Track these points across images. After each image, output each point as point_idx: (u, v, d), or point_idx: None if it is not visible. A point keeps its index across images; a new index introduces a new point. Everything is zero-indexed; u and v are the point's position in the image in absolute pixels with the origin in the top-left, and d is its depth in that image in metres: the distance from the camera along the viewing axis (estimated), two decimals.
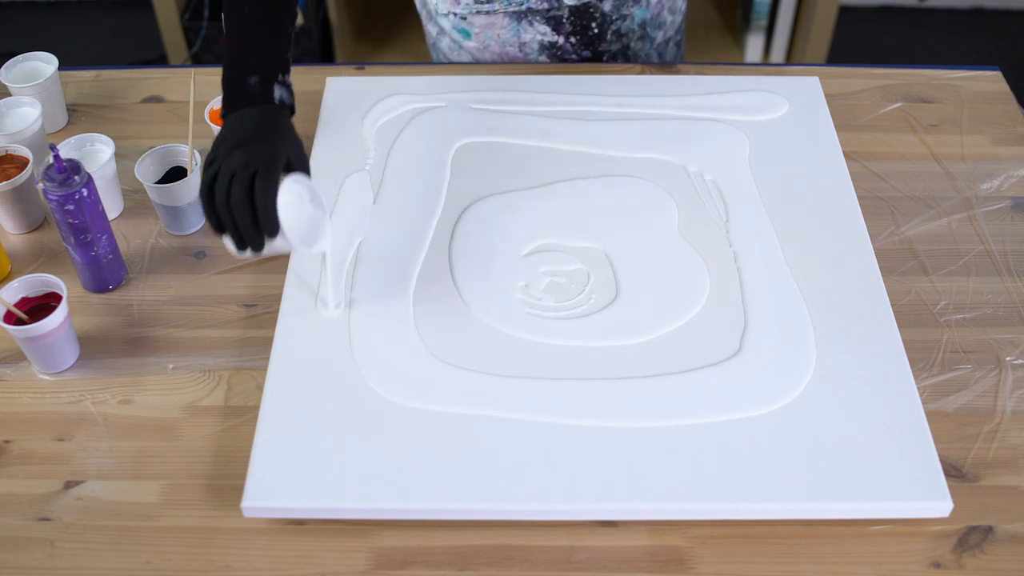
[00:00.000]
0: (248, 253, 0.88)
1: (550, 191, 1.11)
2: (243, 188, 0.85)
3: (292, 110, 0.96)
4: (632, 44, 1.33)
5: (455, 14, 1.30)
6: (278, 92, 0.94)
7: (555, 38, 1.30)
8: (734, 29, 2.54)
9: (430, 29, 1.37)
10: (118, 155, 1.13)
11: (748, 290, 1.00)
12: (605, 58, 1.33)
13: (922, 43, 2.72)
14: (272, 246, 0.88)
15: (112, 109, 1.26)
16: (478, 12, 1.28)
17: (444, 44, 1.35)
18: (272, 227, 0.86)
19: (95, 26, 2.77)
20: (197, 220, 1.10)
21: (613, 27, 1.30)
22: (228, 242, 0.88)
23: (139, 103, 1.27)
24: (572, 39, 1.30)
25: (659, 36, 1.36)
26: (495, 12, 1.27)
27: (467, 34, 1.31)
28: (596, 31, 1.29)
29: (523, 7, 1.25)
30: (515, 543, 0.84)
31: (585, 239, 1.06)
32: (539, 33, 1.28)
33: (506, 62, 1.33)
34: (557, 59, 1.32)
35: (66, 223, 0.97)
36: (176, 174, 1.10)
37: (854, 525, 0.85)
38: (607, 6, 1.27)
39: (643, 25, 1.32)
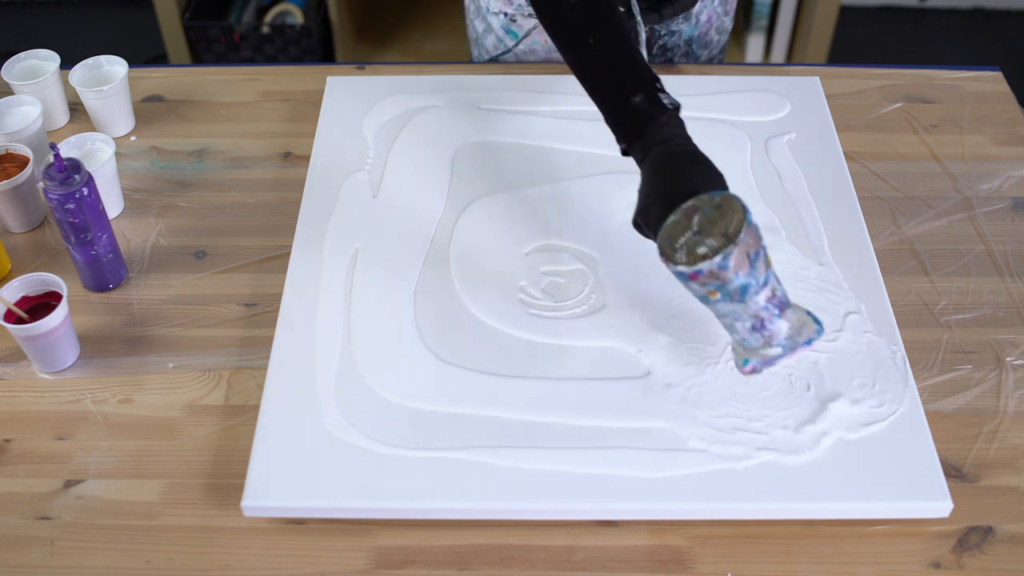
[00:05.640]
0: None
1: (550, 191, 1.11)
2: None
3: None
4: (676, 60, 1.32)
5: (505, 14, 1.28)
6: (666, 100, 0.90)
7: None
8: (735, 29, 2.53)
9: (476, 24, 1.35)
10: (118, 154, 1.13)
11: None
12: None
13: (922, 43, 2.72)
14: None
15: None
16: (528, 15, 1.27)
17: (489, 41, 1.33)
18: None
19: (95, 25, 2.78)
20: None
21: (660, 42, 1.29)
22: None
23: (139, 103, 1.27)
24: None
25: (703, 55, 1.34)
26: None
27: (515, 35, 1.30)
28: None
29: None
30: (515, 543, 0.84)
31: (585, 239, 1.05)
32: None
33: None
34: None
35: (66, 222, 0.97)
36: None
37: (854, 525, 0.85)
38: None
39: (689, 43, 1.31)
